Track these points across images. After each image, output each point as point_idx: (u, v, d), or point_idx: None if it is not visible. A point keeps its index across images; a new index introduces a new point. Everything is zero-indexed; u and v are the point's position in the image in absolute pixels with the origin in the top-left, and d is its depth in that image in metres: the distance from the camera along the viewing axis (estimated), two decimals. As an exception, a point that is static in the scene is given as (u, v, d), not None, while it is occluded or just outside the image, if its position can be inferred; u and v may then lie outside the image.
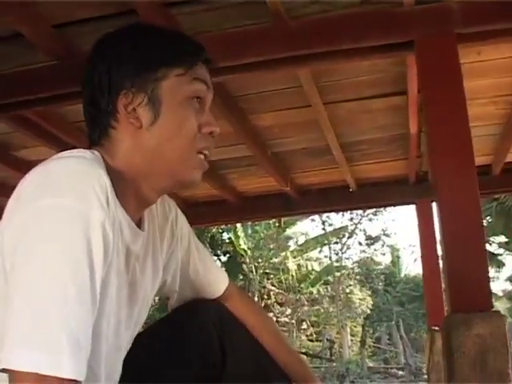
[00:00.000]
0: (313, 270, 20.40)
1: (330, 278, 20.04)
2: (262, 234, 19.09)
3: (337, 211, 11.81)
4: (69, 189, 1.15)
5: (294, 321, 20.36)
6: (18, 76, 3.34)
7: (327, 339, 21.04)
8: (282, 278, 19.50)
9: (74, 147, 1.39)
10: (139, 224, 1.47)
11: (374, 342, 21.94)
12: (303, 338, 21.19)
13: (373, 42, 2.92)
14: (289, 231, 20.74)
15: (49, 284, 1.07)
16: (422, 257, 5.91)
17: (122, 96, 1.37)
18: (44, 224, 1.12)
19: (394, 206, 6.83)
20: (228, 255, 19.42)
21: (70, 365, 1.03)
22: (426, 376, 14.24)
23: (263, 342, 1.64)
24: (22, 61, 3.28)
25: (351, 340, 21.51)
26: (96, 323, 1.16)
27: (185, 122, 1.39)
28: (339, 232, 20.07)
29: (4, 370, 1.04)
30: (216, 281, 1.78)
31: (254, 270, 18.78)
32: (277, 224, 18.38)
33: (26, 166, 3.37)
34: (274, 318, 19.68)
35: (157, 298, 17.21)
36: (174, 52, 1.41)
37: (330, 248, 20.26)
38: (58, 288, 1.07)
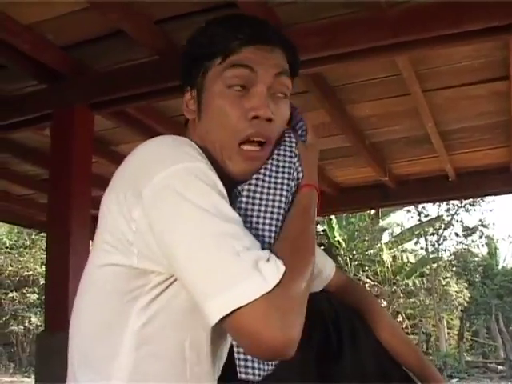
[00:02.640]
0: (408, 261, 20.12)
1: (426, 270, 19.72)
2: (356, 226, 18.97)
3: (435, 201, 11.59)
4: (177, 155, 1.22)
5: (389, 313, 20.15)
6: (119, 72, 3.43)
7: (423, 332, 20.75)
8: (378, 269, 19.34)
9: None
10: None
11: (471, 336, 21.49)
12: (399, 330, 20.90)
13: (474, 26, 2.84)
14: (383, 222, 20.52)
15: (209, 233, 1.12)
16: (524, 247, 5.72)
17: (185, 94, 1.46)
18: (172, 192, 1.16)
19: (495, 195, 6.66)
20: (322, 247, 19.35)
21: (261, 279, 1.08)
22: (528, 371, 13.95)
23: (378, 331, 1.61)
24: (123, 57, 3.37)
25: (448, 333, 21.12)
26: None
27: (221, 112, 1.36)
28: (435, 223, 19.72)
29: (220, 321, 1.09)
30: (324, 265, 1.74)
31: (348, 262, 18.69)
32: (373, 215, 18.23)
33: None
34: (369, 311, 19.46)
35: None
36: (211, 43, 1.39)
37: (426, 239, 19.93)
38: (218, 232, 1.12)
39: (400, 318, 21.07)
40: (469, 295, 20.34)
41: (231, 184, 1.36)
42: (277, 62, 1.39)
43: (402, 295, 19.75)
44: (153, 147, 1.28)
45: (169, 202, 1.16)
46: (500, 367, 16.97)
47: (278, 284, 1.08)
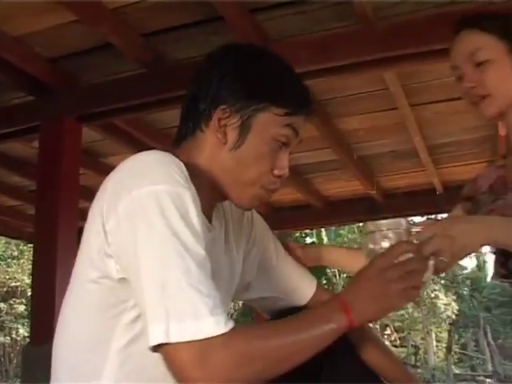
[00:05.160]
0: (397, 274, 20.13)
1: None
2: (345, 238, 19.00)
3: (422, 215, 11.49)
4: (161, 176, 1.23)
5: (377, 326, 20.19)
6: (108, 85, 3.43)
7: (412, 345, 20.79)
8: (366, 282, 19.31)
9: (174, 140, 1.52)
10: (210, 220, 1.52)
11: (460, 349, 21.54)
12: (387, 343, 20.96)
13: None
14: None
15: (169, 262, 1.15)
16: None
17: (220, 110, 1.42)
18: (148, 210, 1.19)
19: (483, 208, 6.63)
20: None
21: (214, 323, 1.10)
22: (516, 384, 13.96)
23: (363, 350, 1.61)
24: (112, 70, 3.37)
25: (436, 346, 21.18)
26: None
27: (263, 158, 1.43)
28: (423, 236, 19.75)
29: (155, 348, 1.12)
30: (302, 282, 1.75)
31: (337, 274, 18.72)
32: (361, 227, 18.23)
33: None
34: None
35: (241, 302, 17.35)
36: (283, 93, 1.44)
37: (414, 252, 19.96)
38: (179, 263, 1.15)
39: (388, 331, 21.10)
40: (457, 308, 20.41)
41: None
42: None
43: (390, 308, 19.73)
44: (137, 162, 1.29)
45: (140, 221, 1.19)
46: (488, 380, 16.99)
47: (221, 336, 1.10)
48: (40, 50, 3.21)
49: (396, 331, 21.21)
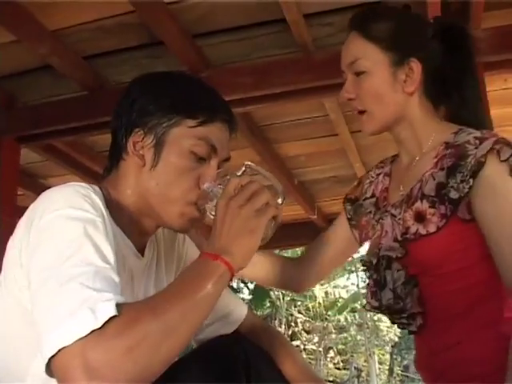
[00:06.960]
0: (340, 297, 20.31)
1: (358, 306, 19.94)
2: (289, 261, 19.07)
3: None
4: (70, 203, 1.23)
5: (321, 348, 20.25)
6: (48, 106, 3.41)
7: (355, 367, 20.89)
8: (310, 305, 19.43)
9: (100, 175, 1.53)
10: (143, 249, 1.52)
11: (402, 371, 21.70)
12: (330, 366, 21.04)
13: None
14: (316, 258, 20.69)
15: (59, 269, 1.11)
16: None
17: (135, 133, 1.43)
18: (54, 229, 1.19)
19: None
20: (255, 283, 19.41)
21: (90, 319, 1.02)
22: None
23: (287, 372, 1.61)
24: (52, 91, 3.35)
25: (379, 368, 21.30)
26: None
27: (182, 173, 1.42)
28: (367, 259, 20.00)
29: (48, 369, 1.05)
30: (233, 307, 1.74)
31: (281, 298, 18.75)
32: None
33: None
34: (301, 346, 19.60)
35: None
36: (192, 104, 1.44)
37: (357, 275, 20.17)
38: (75, 272, 1.10)
39: (332, 354, 21.17)
40: (399, 330, 20.56)
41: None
42: (228, 148, 1.49)
43: (333, 330, 19.89)
44: (51, 193, 1.29)
45: (45, 237, 1.19)
46: (429, 402, 17.16)
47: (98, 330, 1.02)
48: (-21, 69, 3.18)
49: (339, 353, 21.28)
